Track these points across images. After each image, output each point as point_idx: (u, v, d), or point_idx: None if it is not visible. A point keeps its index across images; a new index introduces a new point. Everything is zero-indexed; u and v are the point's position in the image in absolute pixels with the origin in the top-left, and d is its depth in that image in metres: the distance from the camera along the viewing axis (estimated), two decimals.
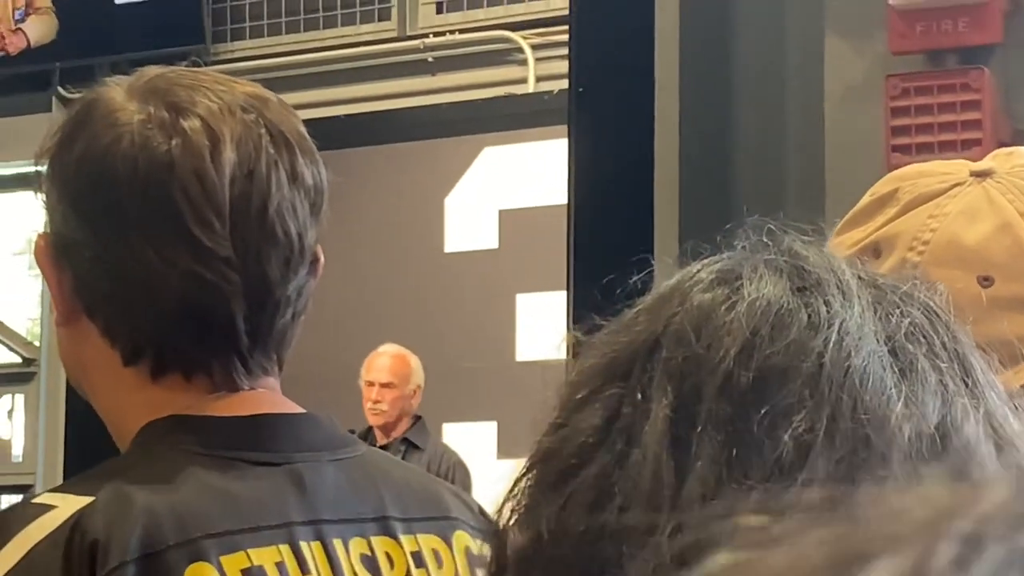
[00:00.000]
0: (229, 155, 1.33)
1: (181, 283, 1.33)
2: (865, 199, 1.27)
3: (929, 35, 3.43)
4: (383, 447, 6.33)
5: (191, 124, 1.34)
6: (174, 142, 1.33)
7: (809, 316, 0.77)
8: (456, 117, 7.42)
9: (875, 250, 1.23)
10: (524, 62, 7.34)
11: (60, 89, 7.92)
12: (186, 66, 1.45)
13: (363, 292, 7.59)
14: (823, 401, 0.74)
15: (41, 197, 1.40)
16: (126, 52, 7.80)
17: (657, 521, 0.74)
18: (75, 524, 1.25)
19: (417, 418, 6.37)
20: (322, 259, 1.41)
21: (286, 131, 1.37)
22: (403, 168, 7.62)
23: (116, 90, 1.37)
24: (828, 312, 0.77)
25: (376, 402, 6.29)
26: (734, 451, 0.74)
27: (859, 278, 0.80)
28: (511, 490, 0.80)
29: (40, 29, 7.96)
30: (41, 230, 1.41)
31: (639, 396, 0.77)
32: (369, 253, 7.64)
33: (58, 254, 1.38)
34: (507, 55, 7.43)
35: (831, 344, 0.76)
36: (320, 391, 7.46)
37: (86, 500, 1.27)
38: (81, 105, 1.39)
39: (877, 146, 3.43)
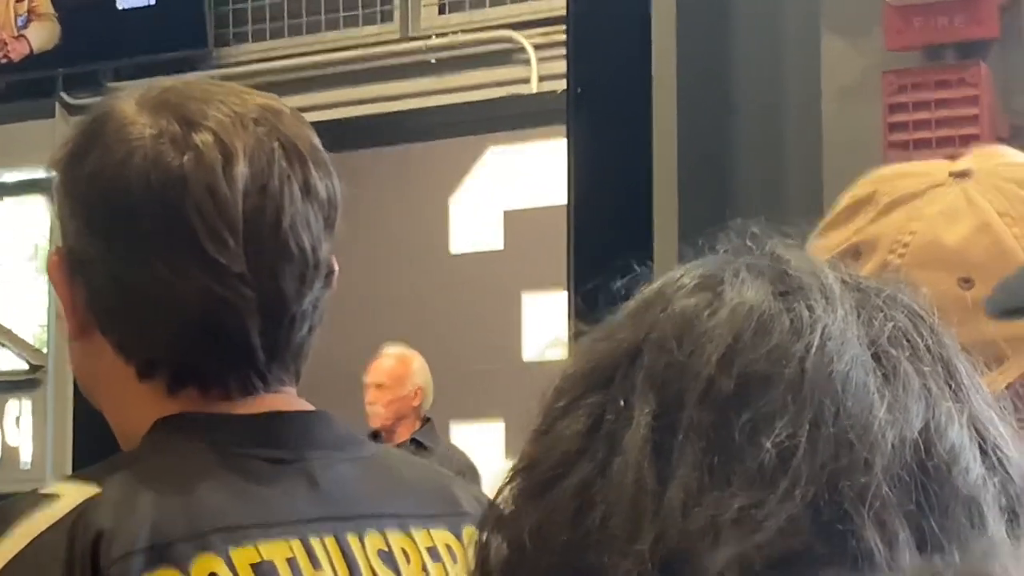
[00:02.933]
0: (242, 169, 1.33)
1: (195, 299, 1.32)
2: (844, 201, 1.25)
3: (925, 31, 3.43)
4: None
5: (203, 138, 1.33)
6: (186, 157, 1.32)
7: (791, 321, 0.76)
8: (460, 118, 7.42)
9: (855, 253, 1.22)
10: (527, 62, 7.34)
11: (63, 95, 7.93)
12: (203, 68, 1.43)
13: (369, 294, 7.59)
14: (805, 407, 0.73)
15: (54, 210, 1.40)
16: (129, 57, 7.82)
17: (639, 529, 0.73)
18: (80, 513, 1.25)
19: (426, 420, 6.35)
20: (337, 270, 1.40)
21: (299, 144, 1.36)
22: (407, 170, 7.62)
23: (127, 103, 1.37)
24: (811, 316, 0.76)
25: (370, 404, 6.27)
26: (716, 458, 0.73)
27: (843, 281, 0.79)
28: (494, 499, 0.79)
29: (43, 35, 7.97)
30: (55, 244, 1.41)
31: (621, 403, 0.76)
32: (374, 255, 7.64)
33: (71, 269, 1.37)
34: (510, 55, 7.42)
35: (813, 349, 0.75)
36: (325, 393, 7.44)
37: (93, 490, 1.27)
38: (92, 118, 1.38)
39: (875, 143, 3.43)
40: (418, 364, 6.33)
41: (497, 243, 7.48)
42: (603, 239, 3.71)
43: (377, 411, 6.25)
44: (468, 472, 6.06)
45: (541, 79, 7.23)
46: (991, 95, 3.41)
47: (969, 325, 1.13)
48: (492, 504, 0.79)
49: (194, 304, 1.32)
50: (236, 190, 1.32)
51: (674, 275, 0.80)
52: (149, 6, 7.79)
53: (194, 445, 1.33)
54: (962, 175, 1.22)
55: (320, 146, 1.39)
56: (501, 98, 7.35)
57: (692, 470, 0.73)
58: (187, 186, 1.32)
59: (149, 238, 1.32)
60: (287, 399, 1.38)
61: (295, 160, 1.35)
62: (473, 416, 7.14)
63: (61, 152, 1.38)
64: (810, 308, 0.76)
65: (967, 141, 3.36)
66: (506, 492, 0.79)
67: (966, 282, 1.17)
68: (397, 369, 6.29)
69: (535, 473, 0.77)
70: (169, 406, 1.35)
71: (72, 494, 1.27)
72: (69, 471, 7.59)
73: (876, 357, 0.76)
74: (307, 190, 1.35)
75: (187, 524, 1.27)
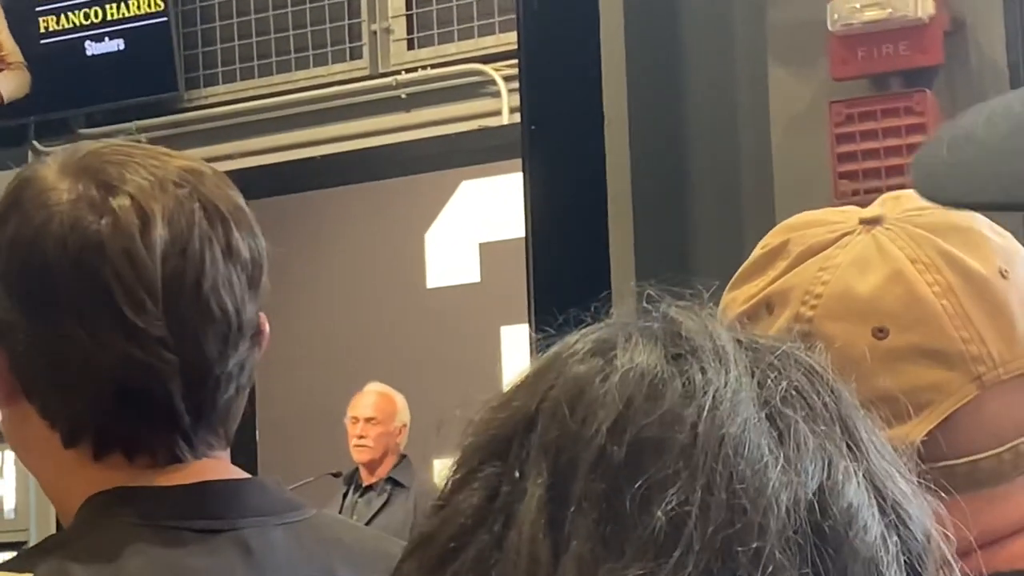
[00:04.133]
0: (160, 232, 1.32)
1: (115, 365, 1.32)
2: (756, 252, 1.23)
3: (870, 59, 3.43)
4: (368, 487, 6.33)
5: (120, 202, 1.33)
6: (104, 221, 1.32)
7: (684, 384, 0.75)
8: (432, 152, 7.42)
9: (768, 305, 1.20)
10: (497, 94, 7.35)
11: (36, 143, 7.93)
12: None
13: (346, 331, 7.58)
14: (697, 473, 0.73)
15: None
16: (100, 103, 7.83)
17: None
18: None
19: (402, 457, 6.37)
20: (267, 329, 1.39)
21: (221, 205, 1.36)
22: (381, 206, 7.62)
23: (49, 168, 1.36)
24: (703, 379, 0.75)
25: (360, 437, 6.31)
26: (608, 528, 0.72)
27: (737, 341, 0.78)
28: (394, 573, 0.78)
29: (13, 84, 7.98)
30: None
31: (517, 474, 0.75)
32: (351, 292, 7.63)
33: None
34: (480, 88, 7.43)
35: (705, 412, 0.74)
36: (305, 431, 7.46)
37: None
38: (14, 184, 1.38)
39: (824, 173, 3.43)
40: (401, 403, 6.41)
41: (474, 276, 7.48)
42: (561, 273, 3.72)
43: (367, 444, 6.28)
44: None
45: (512, 111, 7.23)
46: (938, 121, 3.41)
47: (885, 375, 1.13)
48: None
49: (114, 369, 1.32)
50: (154, 254, 1.32)
51: (569, 340, 0.80)
52: (119, 51, 7.80)
53: (125, 522, 1.32)
54: (872, 222, 1.20)
55: (244, 206, 1.38)
56: (473, 131, 7.35)
57: (585, 541, 0.72)
58: (104, 251, 1.31)
59: (67, 304, 1.32)
60: (217, 466, 1.38)
61: (216, 221, 1.35)
62: (453, 451, 7.13)
63: None
64: (703, 370, 0.76)
65: None
66: (405, 568, 0.78)
67: (880, 332, 1.15)
68: (386, 405, 6.36)
69: (432, 548, 0.77)
70: (96, 472, 1.35)
71: None
72: (53, 520, 7.57)
73: (770, 418, 0.75)
74: (229, 252, 1.35)
75: None
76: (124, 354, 1.31)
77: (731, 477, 0.73)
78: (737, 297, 1.22)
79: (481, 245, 7.45)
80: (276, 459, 7.09)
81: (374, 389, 6.43)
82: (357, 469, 6.39)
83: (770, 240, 1.24)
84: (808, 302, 1.18)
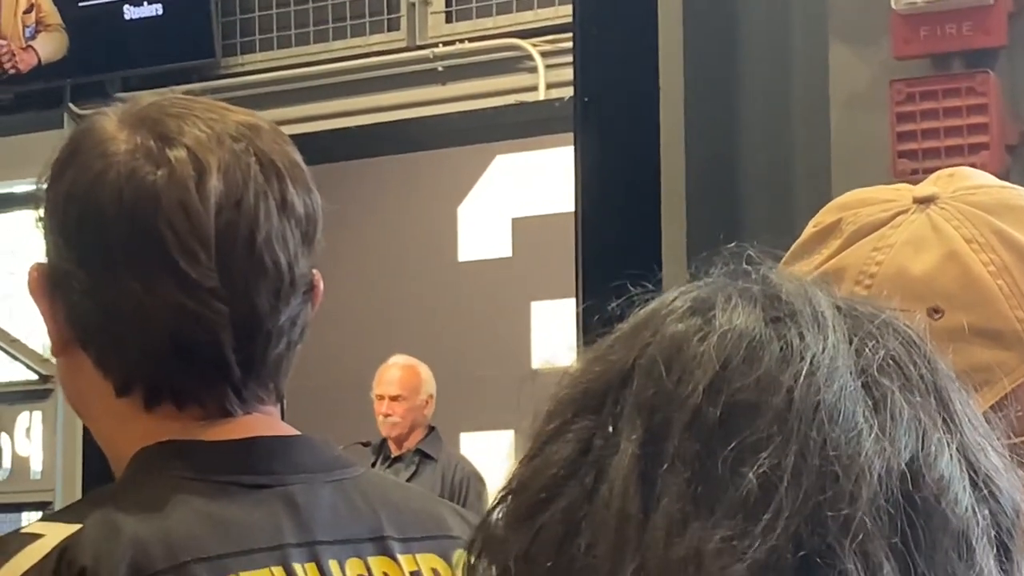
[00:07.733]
0: (215, 185, 1.33)
1: (167, 315, 1.33)
2: (808, 230, 1.22)
3: (933, 39, 3.42)
4: (396, 458, 6.34)
5: (177, 154, 1.34)
6: (160, 172, 1.33)
7: (781, 348, 0.76)
8: (467, 126, 7.42)
9: None
10: (534, 69, 7.34)
11: (72, 106, 7.94)
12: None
13: (377, 302, 7.59)
14: (791, 438, 0.73)
15: (40, 226, 1.40)
16: (137, 67, 7.84)
17: (622, 559, 0.73)
18: (62, 552, 1.26)
19: (431, 428, 6.38)
20: (321, 286, 1.40)
21: (277, 160, 1.36)
22: (415, 178, 7.62)
23: (109, 119, 1.38)
24: (801, 344, 0.76)
25: (387, 415, 6.31)
26: (700, 488, 0.73)
27: (836, 307, 0.79)
28: (482, 522, 0.79)
29: (50, 46, 7.98)
30: (40, 260, 1.42)
31: (610, 429, 0.76)
32: (382, 263, 7.64)
33: (51, 285, 1.38)
34: (517, 63, 7.43)
35: (802, 378, 0.74)
36: (335, 401, 7.47)
37: (74, 528, 1.28)
38: (74, 134, 1.40)
39: (883, 152, 3.42)
40: (426, 373, 6.39)
41: (505, 251, 7.49)
42: (611, 248, 3.71)
43: (395, 422, 6.29)
44: (473, 481, 6.11)
45: (548, 86, 7.24)
46: (1000, 103, 3.40)
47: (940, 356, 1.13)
48: (481, 526, 0.79)
49: (166, 319, 1.33)
50: (209, 205, 1.33)
51: (668, 298, 0.80)
52: (156, 16, 7.80)
53: (175, 475, 1.33)
54: (926, 201, 1.18)
55: (300, 162, 1.39)
56: (508, 106, 7.35)
57: (676, 500, 0.73)
58: (159, 201, 1.32)
59: (121, 253, 1.33)
60: (267, 422, 1.38)
61: (272, 176, 1.35)
62: (482, 425, 7.14)
63: (48, 169, 1.39)
64: (800, 335, 0.76)
65: (976, 150, 3.36)
66: (496, 515, 0.79)
67: (936, 312, 1.14)
68: (411, 379, 6.35)
69: (524, 496, 0.77)
70: (147, 422, 1.36)
71: (54, 533, 1.28)
72: (79, 481, 7.60)
73: (866, 386, 0.75)
74: (284, 206, 1.35)
75: (168, 556, 1.27)
76: (176, 304, 1.32)
77: (824, 443, 0.73)
78: None
79: (514, 220, 7.46)
80: (304, 428, 7.09)
81: (397, 363, 6.42)
82: (385, 440, 6.40)
83: (822, 218, 1.22)
84: (862, 282, 1.16)
